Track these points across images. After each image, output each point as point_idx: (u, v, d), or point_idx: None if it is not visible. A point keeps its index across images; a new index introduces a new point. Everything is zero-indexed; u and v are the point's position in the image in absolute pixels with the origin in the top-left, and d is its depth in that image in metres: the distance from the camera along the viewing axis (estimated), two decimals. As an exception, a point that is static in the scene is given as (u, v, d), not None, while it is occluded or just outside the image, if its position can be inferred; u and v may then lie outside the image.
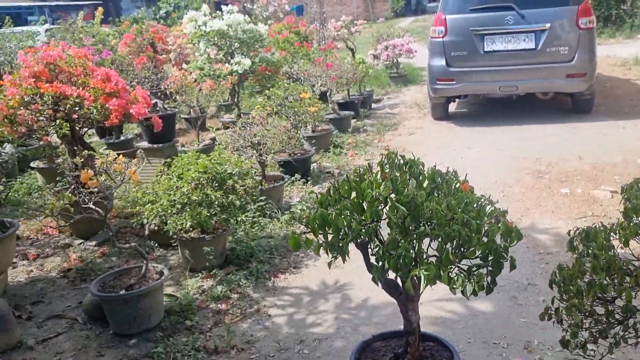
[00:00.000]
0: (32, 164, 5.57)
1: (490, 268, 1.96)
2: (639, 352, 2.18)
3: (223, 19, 7.09)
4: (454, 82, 6.88)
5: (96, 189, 3.02)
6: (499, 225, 1.98)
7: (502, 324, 2.89)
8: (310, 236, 2.14)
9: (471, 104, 8.46)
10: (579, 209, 4.25)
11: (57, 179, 4.43)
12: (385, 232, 2.06)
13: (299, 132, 5.60)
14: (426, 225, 1.97)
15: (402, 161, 2.18)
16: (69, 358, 2.85)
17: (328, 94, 7.39)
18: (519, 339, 2.75)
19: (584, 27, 6.43)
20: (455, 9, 6.87)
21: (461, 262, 1.97)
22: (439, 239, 1.96)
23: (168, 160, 4.04)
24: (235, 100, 7.58)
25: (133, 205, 4.54)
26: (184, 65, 7.71)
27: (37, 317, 3.25)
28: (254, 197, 3.96)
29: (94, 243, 4.23)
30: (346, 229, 2.01)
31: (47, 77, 3.96)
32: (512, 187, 4.79)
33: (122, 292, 2.97)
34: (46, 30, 13.54)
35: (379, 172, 2.14)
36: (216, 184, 3.57)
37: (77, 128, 4.19)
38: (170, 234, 3.54)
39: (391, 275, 2.04)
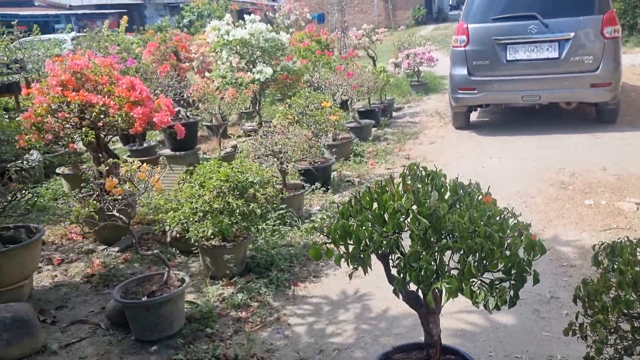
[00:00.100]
0: (57, 170, 5.68)
1: (513, 282, 1.94)
2: (665, 370, 2.14)
3: (245, 28, 7.17)
4: (476, 92, 6.84)
5: (120, 197, 3.07)
6: (522, 238, 1.96)
7: (525, 337, 2.86)
8: (331, 246, 2.14)
9: (493, 113, 8.40)
10: (604, 221, 4.18)
11: (82, 185, 4.51)
12: (406, 243, 2.06)
13: (319, 140, 5.62)
14: (448, 238, 1.96)
15: (424, 173, 2.18)
16: (92, 363, 2.89)
17: (349, 102, 7.40)
18: (542, 354, 2.71)
19: (609, 36, 6.35)
20: (477, 18, 6.84)
21: (483, 275, 1.96)
22: (461, 252, 1.95)
23: (190, 168, 4.08)
24: (257, 108, 7.65)
25: (155, 212, 4.61)
26: (207, 74, 7.80)
27: (61, 321, 3.30)
28: (275, 206, 3.98)
29: (116, 249, 4.28)
30: (367, 240, 2.01)
31: (73, 86, 4.04)
32: (534, 198, 4.74)
33: (144, 298, 3.01)
34: (72, 38, 13.83)
35: (401, 184, 2.14)
36: (237, 193, 3.60)
37: (102, 135, 4.27)
38: (192, 241, 3.58)
39: (412, 287, 2.03)
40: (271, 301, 3.40)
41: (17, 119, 5.22)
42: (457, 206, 2.09)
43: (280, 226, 4.29)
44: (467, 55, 6.83)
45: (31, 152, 5.18)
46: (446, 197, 2.13)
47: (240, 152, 6.25)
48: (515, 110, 8.20)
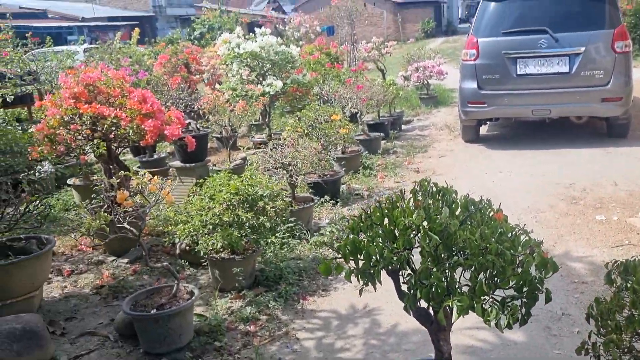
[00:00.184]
0: (68, 181, 5.72)
1: (524, 300, 1.92)
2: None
3: (256, 41, 7.22)
4: (486, 105, 6.84)
5: (130, 209, 3.08)
6: (534, 256, 1.95)
7: (536, 355, 2.83)
8: (341, 261, 2.14)
9: (503, 126, 8.38)
10: (615, 237, 4.14)
11: (92, 196, 4.54)
12: (417, 259, 2.05)
13: (329, 153, 5.63)
14: (459, 255, 1.95)
15: (435, 189, 2.17)
16: (100, 376, 2.89)
17: (358, 115, 7.42)
18: (553, 372, 2.68)
19: (619, 50, 6.34)
20: (487, 32, 6.85)
21: (494, 293, 1.95)
22: (472, 269, 1.94)
23: (200, 180, 4.10)
24: (267, 120, 7.68)
25: (165, 224, 4.62)
26: (217, 86, 7.85)
27: (70, 333, 3.31)
28: (284, 219, 3.98)
29: (126, 260, 4.29)
30: (378, 256, 2.01)
31: (86, 98, 4.08)
32: (545, 213, 4.71)
33: (154, 311, 3.01)
34: (85, 50, 13.99)
35: (412, 200, 2.14)
36: (247, 206, 3.61)
37: (114, 147, 4.30)
38: (201, 253, 3.58)
39: (423, 304, 2.02)
40: (280, 315, 3.39)
41: (29, 130, 5.27)
42: (468, 222, 2.08)
43: (289, 239, 4.29)
44: (477, 69, 6.84)
45: (42, 163, 5.22)
46: (457, 213, 2.12)
47: (250, 164, 6.27)
48: (525, 124, 8.18)
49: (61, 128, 3.98)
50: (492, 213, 2.13)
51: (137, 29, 11.87)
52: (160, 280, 3.92)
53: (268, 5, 50.16)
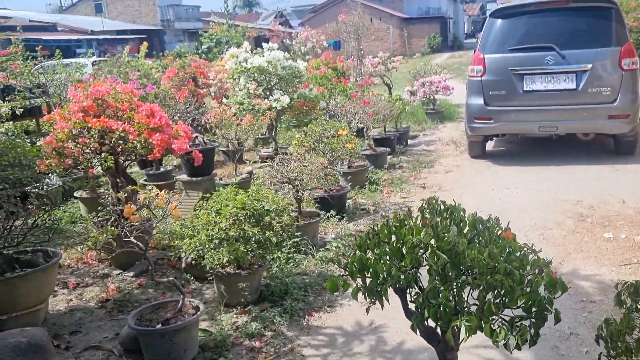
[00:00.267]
0: (75, 194, 5.74)
1: (533, 320, 1.91)
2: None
3: (263, 56, 7.26)
4: (492, 121, 6.84)
5: (137, 223, 3.09)
6: (543, 275, 1.94)
7: (543, 375, 2.80)
8: (348, 279, 2.13)
9: (509, 142, 8.37)
10: (623, 255, 4.11)
11: (99, 208, 4.55)
12: (424, 277, 2.04)
13: (335, 168, 5.63)
14: (467, 274, 1.94)
15: (442, 207, 2.17)
16: (104, 391, 2.87)
17: (365, 130, 7.43)
18: (561, 392, 2.65)
19: (626, 68, 6.34)
20: (494, 49, 6.88)
21: (503, 312, 1.93)
22: (480, 288, 1.93)
23: (207, 195, 4.10)
24: (273, 134, 7.70)
25: (170, 237, 4.62)
26: (224, 100, 7.89)
27: (75, 347, 3.30)
28: (290, 234, 3.98)
29: (131, 274, 4.29)
30: (385, 274, 2.00)
31: (95, 112, 4.10)
32: (552, 230, 4.69)
33: (159, 326, 3.00)
34: (93, 63, 14.12)
35: (420, 217, 2.13)
36: (253, 220, 3.61)
37: (121, 161, 4.32)
38: (207, 268, 3.57)
39: (430, 323, 2.01)
40: (285, 331, 3.37)
41: (38, 142, 5.30)
42: (476, 241, 2.07)
43: (295, 254, 4.28)
44: (483, 85, 6.85)
45: (50, 176, 5.24)
46: (465, 231, 2.11)
47: (256, 178, 6.28)
48: (532, 140, 8.17)
49: (69, 141, 4.01)
50: (500, 232, 2.12)
51: (145, 43, 11.96)
52: (166, 294, 3.92)
53: (275, 19, 50.62)
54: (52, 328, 3.49)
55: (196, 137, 5.87)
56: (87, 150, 4.05)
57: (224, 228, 3.50)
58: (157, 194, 3.07)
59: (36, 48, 9.28)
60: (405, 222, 2.11)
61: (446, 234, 1.98)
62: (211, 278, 3.83)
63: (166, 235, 4.70)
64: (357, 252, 2.15)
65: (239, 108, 7.10)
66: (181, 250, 3.73)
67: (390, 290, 2.06)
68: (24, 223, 3.32)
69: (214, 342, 3.18)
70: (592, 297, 3.54)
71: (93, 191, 5.62)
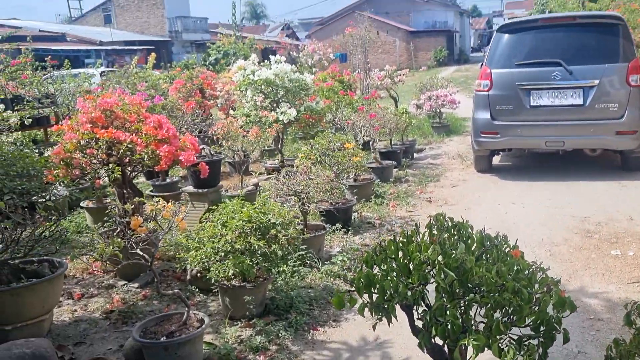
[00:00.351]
0: (81, 204, 5.76)
1: (541, 339, 1.89)
2: None
3: (271, 68, 7.30)
4: (499, 136, 6.84)
5: (143, 235, 3.09)
6: (551, 294, 1.92)
7: (551, 394, 2.76)
8: (354, 294, 2.12)
9: (516, 157, 8.36)
10: (631, 273, 4.08)
11: (105, 219, 4.56)
12: (431, 294, 2.03)
13: (341, 181, 5.63)
14: (475, 292, 1.93)
15: (450, 223, 2.16)
16: (108, 403, 2.86)
17: (371, 143, 7.43)
18: (569, 412, 2.61)
19: (634, 84, 6.34)
20: (500, 64, 6.89)
21: (511, 331, 1.92)
22: (488, 306, 1.91)
23: (213, 207, 4.11)
24: (279, 146, 7.71)
25: (176, 249, 4.62)
26: (231, 112, 7.92)
27: (79, 358, 3.29)
28: (296, 247, 3.97)
29: (136, 285, 4.28)
30: (392, 290, 1.99)
31: (103, 123, 4.12)
32: (559, 247, 4.66)
33: (163, 338, 2.99)
34: (101, 73, 14.24)
35: (427, 234, 2.13)
36: (259, 233, 3.60)
37: (128, 172, 4.33)
38: (213, 280, 3.56)
39: (437, 340, 1.99)
40: (290, 345, 3.35)
41: (46, 153, 5.33)
42: (484, 258, 2.06)
43: (300, 267, 4.26)
44: (490, 100, 6.85)
45: (57, 186, 5.26)
46: (472, 248, 2.10)
47: (262, 190, 6.28)
48: (539, 155, 8.15)
49: (77, 152, 4.02)
50: (508, 249, 2.11)
51: (153, 54, 12.08)
52: (171, 306, 3.91)
53: (282, 31, 50.96)
54: (56, 339, 3.48)
55: (203, 148, 5.88)
56: (95, 161, 4.07)
57: (230, 241, 3.50)
58: (164, 206, 3.08)
59: (45, 58, 9.37)
60: (413, 239, 2.10)
61: (454, 251, 1.97)
62: (216, 290, 3.82)
63: (171, 246, 4.71)
64: (364, 267, 2.14)
65: (245, 120, 7.13)
66: (186, 263, 3.73)
67: (396, 306, 2.05)
68: (31, 234, 3.33)
69: (218, 356, 3.16)
70: (600, 315, 3.51)
71: (99, 201, 5.64)
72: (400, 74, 11.74)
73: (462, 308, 1.89)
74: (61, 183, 4.51)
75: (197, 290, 4.08)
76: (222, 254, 3.50)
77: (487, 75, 6.90)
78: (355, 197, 5.79)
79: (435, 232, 2.11)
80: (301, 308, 3.72)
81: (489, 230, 2.20)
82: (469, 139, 8.72)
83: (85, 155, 4.01)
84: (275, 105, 7.50)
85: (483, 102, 6.93)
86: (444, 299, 1.91)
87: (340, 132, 7.11)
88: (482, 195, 6.46)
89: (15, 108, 6.57)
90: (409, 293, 1.95)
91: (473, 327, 1.88)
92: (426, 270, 1.97)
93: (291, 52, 20.14)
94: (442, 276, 1.90)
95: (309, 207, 4.76)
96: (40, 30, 29.52)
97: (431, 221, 2.14)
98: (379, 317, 2.03)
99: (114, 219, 3.61)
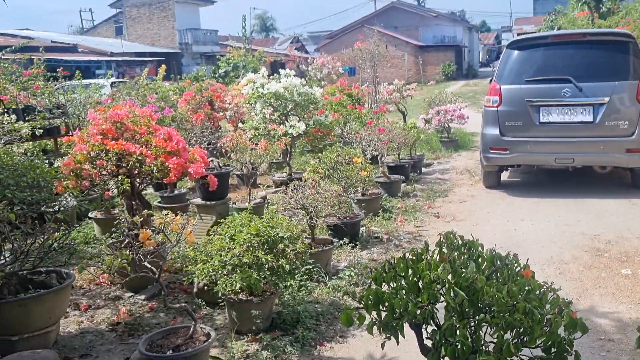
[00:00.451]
0: (89, 214, 5.78)
1: (552, 361, 1.87)
2: None
3: (280, 82, 7.33)
4: (508, 152, 6.82)
5: (151, 248, 3.09)
6: (563, 315, 1.90)
7: (560, 416, 2.72)
8: (363, 311, 2.10)
9: (525, 173, 8.32)
10: (642, 293, 4.03)
11: (112, 230, 4.57)
12: (441, 313, 2.01)
13: (349, 195, 5.62)
14: (485, 312, 1.91)
15: (460, 241, 2.15)
16: (113, 417, 2.84)
17: (379, 157, 7.43)
18: None
19: (645, 102, 6.31)
20: (510, 80, 6.89)
21: (521, 352, 1.89)
22: (498, 326, 1.89)
23: (221, 220, 4.11)
24: (287, 159, 7.73)
25: (183, 261, 4.62)
26: (240, 124, 7.95)
27: (84, 371, 3.28)
28: (303, 261, 3.95)
29: (143, 297, 4.28)
30: (401, 309, 1.97)
31: (113, 135, 4.15)
32: (568, 265, 4.62)
33: (170, 352, 2.98)
34: (112, 84, 14.36)
35: (437, 252, 2.11)
36: (267, 247, 3.59)
37: (137, 183, 4.34)
38: (220, 294, 3.55)
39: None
40: (296, 361, 3.33)
41: (55, 163, 5.37)
42: (494, 278, 2.04)
43: (307, 282, 4.24)
44: (499, 116, 6.85)
45: (66, 197, 5.28)
46: (483, 267, 2.09)
47: (270, 203, 6.28)
48: (548, 171, 8.12)
49: (87, 163, 4.05)
50: (519, 268, 2.09)
51: (163, 66, 12.16)
52: (177, 319, 3.89)
53: (291, 44, 51.30)
54: (62, 350, 3.48)
55: (211, 160, 5.90)
56: (104, 173, 4.09)
57: (238, 254, 3.49)
58: (173, 218, 3.08)
59: (57, 69, 9.46)
60: (423, 256, 2.08)
61: (464, 270, 1.95)
62: (223, 303, 3.80)
63: (179, 258, 4.71)
64: (373, 285, 2.13)
65: (254, 133, 7.15)
66: (194, 276, 3.72)
67: (405, 325, 2.03)
68: (41, 245, 3.33)
69: (224, 371, 3.14)
70: (610, 336, 3.46)
71: (107, 212, 5.66)
72: (409, 88, 11.75)
73: (472, 328, 1.87)
74: (71, 194, 4.53)
75: (203, 303, 4.06)
76: (230, 267, 3.50)
77: (496, 91, 6.90)
78: (363, 211, 5.77)
79: (445, 250, 2.09)
80: (308, 323, 3.69)
81: (498, 247, 2.19)
82: (477, 154, 8.71)
83: (95, 167, 4.03)
84: (284, 118, 7.53)
85: (492, 118, 6.92)
86: (454, 319, 1.89)
87: (348, 146, 7.12)
88: (491, 211, 6.42)
89: (27, 118, 6.62)
90: (419, 312, 1.93)
91: (483, 348, 1.85)
92: (436, 289, 1.96)
93: (300, 65, 20.24)
94: (452, 295, 1.88)
95: (316, 221, 4.75)
96: (52, 41, 29.86)
97: (441, 239, 2.13)
98: (388, 335, 2.01)
99: (122, 230, 3.62)
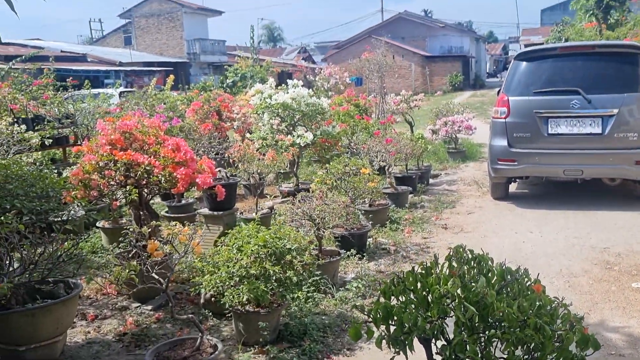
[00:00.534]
0: (97, 224, 5.79)
1: (564, 378, 1.84)
2: None
3: (288, 92, 7.35)
4: (516, 163, 6.79)
5: (159, 259, 3.09)
6: (574, 331, 1.88)
7: None
8: (371, 325, 2.09)
9: (533, 184, 8.28)
10: (653, 307, 3.99)
11: (120, 239, 4.57)
12: (450, 327, 1.99)
13: (356, 206, 5.61)
14: (496, 327, 1.89)
15: (470, 255, 2.13)
16: None
17: (386, 168, 7.42)
18: None
19: (654, 114, 6.27)
20: (518, 91, 6.87)
21: (532, 369, 1.87)
22: (509, 342, 1.87)
23: (228, 231, 4.10)
24: (294, 169, 7.73)
25: (190, 271, 4.61)
26: (247, 135, 7.97)
27: (91, 382, 3.27)
28: (311, 273, 3.94)
29: (150, 307, 4.27)
30: (411, 323, 1.96)
31: (122, 145, 4.17)
32: (578, 278, 4.57)
33: (176, 364, 2.96)
34: (120, 93, 14.47)
35: (447, 266, 2.10)
36: (274, 259, 3.58)
37: (145, 193, 4.35)
38: (227, 305, 3.54)
39: (456, 376, 1.94)
40: (303, 374, 3.30)
41: (64, 173, 5.39)
42: (504, 292, 2.02)
43: (315, 293, 4.23)
44: (507, 127, 6.83)
45: (75, 207, 5.30)
46: (493, 281, 2.07)
47: (277, 213, 6.28)
48: (556, 183, 8.07)
49: (95, 173, 4.06)
50: (529, 283, 2.07)
51: (172, 76, 12.25)
52: (183, 330, 3.88)
53: (298, 54, 51.54)
54: (68, 361, 3.47)
55: (219, 171, 5.91)
56: (112, 183, 4.10)
57: (245, 265, 3.48)
58: (181, 230, 3.08)
59: (67, 79, 9.54)
60: (432, 270, 2.07)
61: (474, 285, 1.93)
62: (230, 315, 3.79)
63: (186, 268, 4.71)
64: (382, 298, 2.12)
65: (262, 143, 7.16)
66: (201, 287, 3.71)
67: (414, 339, 2.01)
68: (49, 256, 3.34)
69: (230, 383, 3.12)
70: (621, 351, 3.42)
71: (115, 222, 5.67)
72: (416, 99, 11.76)
73: (483, 344, 1.85)
74: (79, 204, 4.54)
75: (210, 314, 4.05)
76: (237, 278, 3.48)
77: (504, 103, 6.89)
78: (370, 222, 5.76)
79: (454, 264, 2.08)
80: (315, 335, 3.67)
81: (506, 260, 2.17)
82: (485, 165, 8.68)
83: (104, 177, 4.04)
84: (291, 128, 7.54)
85: (500, 129, 6.90)
86: (464, 334, 1.87)
87: (356, 157, 7.11)
88: (499, 223, 6.39)
89: (36, 128, 6.66)
90: (428, 326, 1.92)
91: (493, 364, 1.83)
92: (446, 304, 1.94)
93: (307, 76, 20.31)
94: (462, 310, 1.87)
95: (324, 232, 4.74)
96: (62, 51, 30.14)
97: (450, 253, 2.11)
98: (397, 350, 1.99)
99: (129, 241, 3.62)
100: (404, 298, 2.04)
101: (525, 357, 1.83)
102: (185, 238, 3.09)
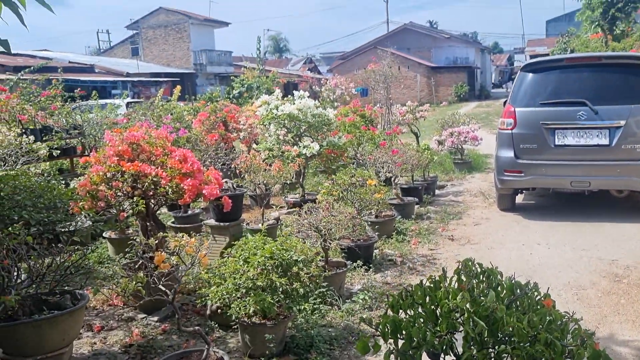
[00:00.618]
0: (104, 234, 5.80)
1: (575, 395, 1.82)
2: None
3: (294, 103, 7.37)
4: (522, 175, 6.77)
5: (166, 271, 3.08)
6: (586, 347, 1.86)
7: None
8: (379, 338, 2.07)
9: (540, 196, 8.25)
10: (663, 321, 3.94)
11: (126, 250, 4.57)
12: (459, 342, 1.97)
13: (363, 217, 5.59)
14: (505, 342, 1.87)
15: (479, 269, 2.12)
16: None
17: (392, 179, 7.41)
18: None
19: (662, 125, 6.25)
20: (525, 102, 6.86)
21: (542, 384, 1.85)
22: (519, 357, 1.85)
23: (234, 242, 4.10)
24: (301, 180, 7.73)
25: (196, 282, 4.61)
26: (254, 145, 7.99)
27: (97, 394, 3.26)
28: (317, 285, 3.92)
29: (156, 319, 4.26)
30: (420, 338, 1.94)
31: (129, 156, 4.18)
32: (586, 291, 4.54)
33: (182, 377, 2.95)
34: (127, 104, 14.55)
35: (455, 280, 2.08)
36: (281, 270, 3.57)
37: (152, 204, 4.36)
38: (233, 317, 3.53)
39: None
40: (310, 387, 3.28)
41: (71, 183, 5.41)
42: (514, 307, 2.01)
43: (321, 305, 4.21)
44: (514, 138, 6.81)
45: (80, 217, 5.31)
46: (502, 295, 2.05)
47: (283, 224, 6.27)
48: (564, 194, 8.03)
49: (103, 184, 4.07)
50: (539, 297, 2.06)
51: (178, 87, 12.33)
52: (189, 341, 3.87)
53: (304, 65, 51.77)
54: (75, 373, 3.46)
55: (225, 181, 5.91)
56: (120, 194, 4.11)
57: (252, 277, 3.48)
58: (188, 241, 3.08)
59: (75, 89, 9.60)
60: (441, 284, 2.06)
61: (483, 299, 1.92)
62: (236, 326, 3.77)
63: (192, 279, 4.70)
64: (390, 312, 2.10)
65: (268, 154, 7.17)
66: (207, 298, 3.70)
67: (422, 354, 1.99)
68: (57, 268, 3.34)
69: (237, 396, 3.11)
70: (631, 365, 3.38)
71: (122, 232, 5.68)
72: (422, 109, 11.76)
73: (492, 359, 1.83)
74: (86, 215, 4.55)
75: (216, 325, 4.04)
76: (244, 290, 3.48)
77: (510, 114, 6.88)
78: (376, 233, 5.74)
79: (463, 278, 2.07)
80: (321, 348, 3.65)
81: (514, 272, 2.16)
82: (491, 176, 8.65)
83: (111, 188, 4.05)
84: (297, 139, 7.55)
85: (507, 141, 6.89)
86: (473, 349, 1.86)
87: (362, 168, 7.12)
88: (505, 234, 6.36)
89: (44, 138, 6.70)
90: (437, 341, 1.90)
91: (503, 379, 1.81)
92: (455, 318, 1.92)
93: (313, 86, 20.37)
94: (472, 325, 1.85)
95: (330, 243, 4.73)
96: (70, 62, 30.37)
97: (459, 266, 2.10)
98: (405, 365, 1.98)
99: (136, 252, 3.62)
100: (412, 312, 2.03)
101: (536, 372, 1.81)
102: (192, 250, 3.09)
